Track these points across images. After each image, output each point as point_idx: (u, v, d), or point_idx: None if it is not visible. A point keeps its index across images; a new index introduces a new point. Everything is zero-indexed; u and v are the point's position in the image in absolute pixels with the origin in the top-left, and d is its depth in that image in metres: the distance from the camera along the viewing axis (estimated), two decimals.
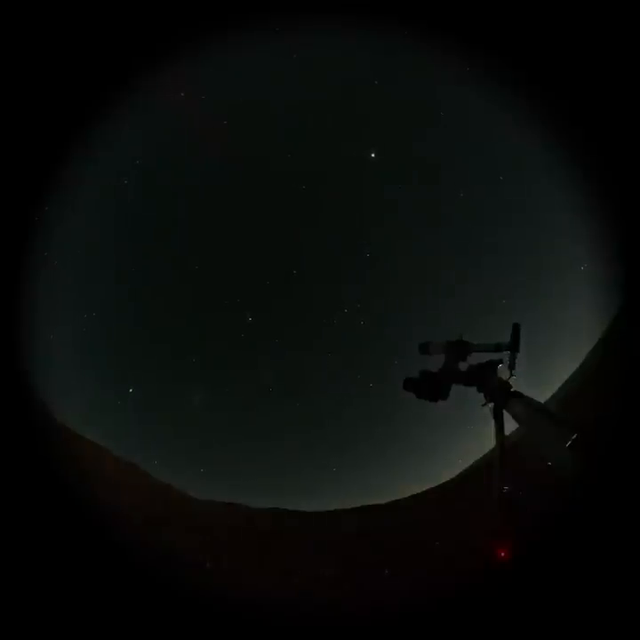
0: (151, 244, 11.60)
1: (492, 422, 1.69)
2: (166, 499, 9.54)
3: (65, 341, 10.71)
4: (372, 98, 10.73)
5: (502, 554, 1.53)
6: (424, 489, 9.92)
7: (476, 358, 1.75)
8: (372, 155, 11.22)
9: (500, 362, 1.70)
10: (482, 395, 1.69)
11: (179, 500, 9.65)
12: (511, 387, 1.61)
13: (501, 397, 1.62)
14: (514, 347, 1.70)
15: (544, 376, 9.71)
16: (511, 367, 1.66)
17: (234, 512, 9.73)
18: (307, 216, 11.95)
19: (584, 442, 1.24)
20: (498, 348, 1.72)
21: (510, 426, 1.66)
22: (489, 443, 1.74)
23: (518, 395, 1.57)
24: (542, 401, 1.53)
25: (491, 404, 1.66)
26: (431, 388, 1.66)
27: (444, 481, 9.99)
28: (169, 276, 11.79)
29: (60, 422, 8.90)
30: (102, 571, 5.77)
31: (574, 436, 1.25)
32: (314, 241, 12.13)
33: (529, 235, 11.42)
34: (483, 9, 6.36)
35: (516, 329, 1.71)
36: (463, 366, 1.74)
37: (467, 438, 9.87)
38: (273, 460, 11.92)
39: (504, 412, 1.63)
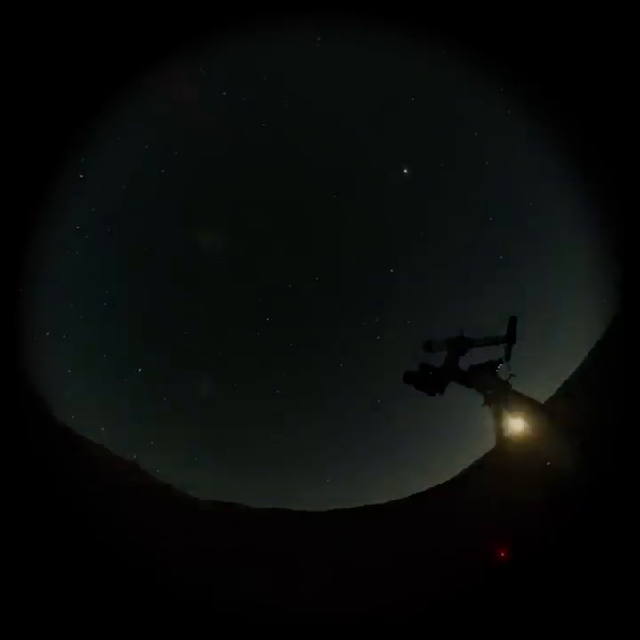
0: (175, 236, 11.70)
1: (493, 422, 1.70)
2: (166, 499, 9.54)
3: (68, 338, 10.82)
4: (409, 114, 10.85)
5: (502, 554, 1.53)
6: (424, 489, 9.91)
7: (476, 359, 1.77)
8: (405, 171, 11.38)
9: (500, 362, 1.71)
10: (482, 395, 1.71)
11: (179, 500, 9.65)
12: (511, 387, 1.63)
13: (502, 398, 1.62)
14: (510, 338, 1.76)
15: (544, 376, 9.70)
16: (507, 357, 1.74)
17: (234, 512, 9.73)
18: (336, 226, 12.07)
19: (584, 442, 1.24)
20: (495, 340, 1.78)
21: (511, 426, 1.66)
22: (489, 443, 1.74)
23: (518, 395, 1.58)
24: (542, 401, 1.54)
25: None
26: (430, 381, 1.70)
27: (443, 481, 9.98)
28: (190, 268, 11.88)
29: (60, 422, 8.91)
30: (102, 571, 5.78)
31: (574, 437, 1.25)
32: (340, 251, 12.26)
33: (530, 236, 11.43)
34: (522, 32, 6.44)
35: (512, 322, 1.78)
36: (464, 365, 1.76)
37: (467, 438, 9.87)
38: (273, 460, 11.95)
39: (504, 411, 1.64)
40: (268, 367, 12.35)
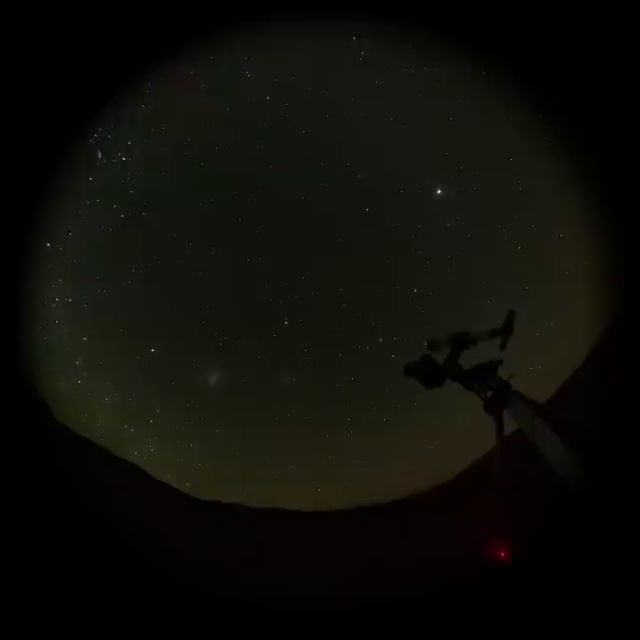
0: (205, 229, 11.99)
1: (492, 422, 1.70)
2: (166, 499, 9.55)
3: (89, 308, 11.29)
4: (446, 133, 10.99)
5: (502, 554, 1.53)
6: (423, 489, 9.93)
7: (477, 359, 1.77)
8: (438, 191, 11.48)
9: (501, 362, 1.71)
10: (482, 394, 1.71)
11: (179, 500, 9.66)
12: (511, 387, 1.62)
13: (501, 398, 1.62)
14: (507, 330, 1.81)
15: (544, 376, 9.72)
16: (502, 348, 1.78)
17: (234, 512, 9.74)
18: (366, 239, 12.28)
19: (584, 441, 1.24)
20: (493, 333, 1.82)
21: (510, 426, 1.66)
22: (489, 442, 1.74)
23: (518, 395, 1.58)
24: (542, 400, 1.54)
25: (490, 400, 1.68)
26: (429, 374, 1.73)
27: (443, 481, 10.00)
28: (218, 263, 12.13)
29: (59, 422, 8.91)
30: (101, 571, 5.78)
31: (573, 437, 1.25)
32: (366, 265, 12.49)
33: (530, 236, 11.49)
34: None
35: (510, 314, 1.82)
36: (465, 365, 1.77)
37: (466, 438, 9.90)
38: (274, 460, 12.01)
39: (504, 412, 1.64)
40: (278, 368, 12.52)
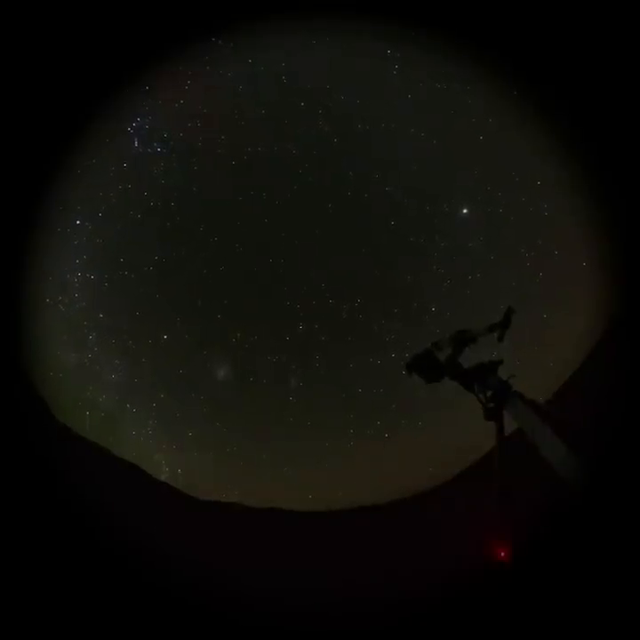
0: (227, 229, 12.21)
1: (492, 422, 1.70)
2: (165, 498, 9.55)
3: (111, 287, 11.72)
4: (476, 152, 11.02)
5: (502, 554, 1.53)
6: (423, 489, 9.93)
7: (476, 358, 1.78)
8: (465, 211, 11.46)
9: (501, 362, 1.72)
10: (482, 395, 1.71)
11: (177, 500, 9.66)
12: (511, 387, 1.63)
13: (502, 398, 1.63)
14: (505, 323, 1.87)
15: (544, 376, 9.72)
16: (500, 339, 1.84)
17: (235, 512, 9.74)
18: (389, 253, 12.38)
19: (584, 442, 1.24)
20: (492, 328, 1.87)
21: (510, 426, 1.66)
22: (489, 442, 1.75)
23: (518, 395, 1.58)
24: (542, 400, 1.54)
25: (491, 404, 1.68)
26: (429, 366, 1.77)
27: (442, 481, 10.00)
28: (238, 260, 12.33)
29: (60, 422, 8.91)
30: (101, 571, 5.78)
31: (573, 437, 1.25)
32: (387, 279, 12.61)
33: (529, 236, 11.50)
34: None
35: (509, 310, 1.87)
36: (466, 364, 1.78)
37: (466, 438, 9.90)
38: (274, 460, 12.04)
39: (504, 412, 1.64)
40: (287, 371, 12.61)
